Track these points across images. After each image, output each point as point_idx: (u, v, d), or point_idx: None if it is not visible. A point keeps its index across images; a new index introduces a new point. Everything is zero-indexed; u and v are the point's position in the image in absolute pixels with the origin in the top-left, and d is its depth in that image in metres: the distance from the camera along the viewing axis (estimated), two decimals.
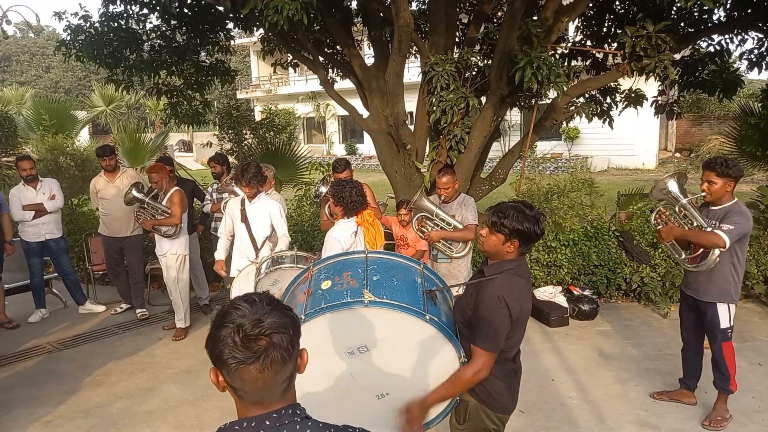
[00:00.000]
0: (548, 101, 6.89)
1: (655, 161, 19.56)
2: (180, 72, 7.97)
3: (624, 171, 18.91)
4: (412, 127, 6.58)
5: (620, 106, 7.38)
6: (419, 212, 4.51)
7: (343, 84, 8.02)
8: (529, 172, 7.52)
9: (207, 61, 8.33)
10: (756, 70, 7.20)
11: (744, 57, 7.32)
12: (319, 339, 2.18)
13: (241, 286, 4.02)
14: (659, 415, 3.86)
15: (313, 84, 21.63)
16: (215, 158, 6.06)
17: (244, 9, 5.03)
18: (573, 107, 6.65)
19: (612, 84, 7.15)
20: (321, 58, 7.14)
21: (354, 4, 6.91)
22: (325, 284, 2.36)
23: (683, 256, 3.74)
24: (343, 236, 3.51)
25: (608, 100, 7.48)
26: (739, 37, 7.29)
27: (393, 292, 2.25)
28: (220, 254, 4.63)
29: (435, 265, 4.54)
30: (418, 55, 7.08)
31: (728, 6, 6.43)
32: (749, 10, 6.40)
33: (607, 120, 7.39)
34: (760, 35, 7.03)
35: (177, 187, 5.34)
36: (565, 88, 6.07)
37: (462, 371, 2.19)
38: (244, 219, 4.36)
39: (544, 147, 19.00)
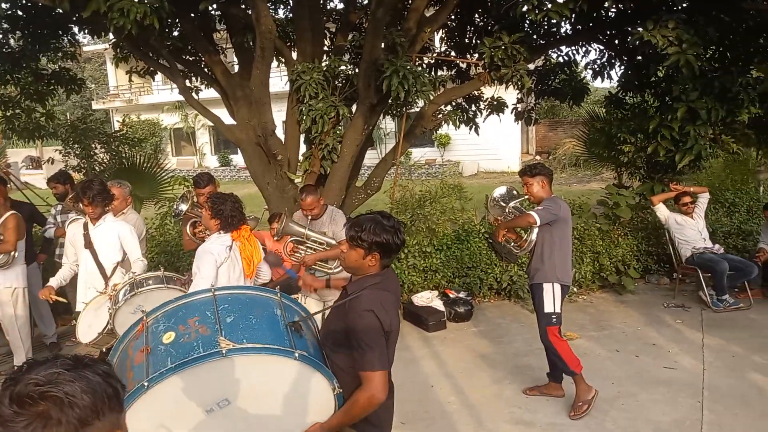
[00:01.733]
0: (417, 109, 7.03)
1: (519, 164, 20.96)
2: (17, 81, 7.08)
3: (492, 174, 20.02)
4: (283, 137, 6.37)
5: (484, 113, 7.73)
6: (289, 236, 4.30)
7: (210, 93, 7.59)
8: (404, 179, 7.62)
9: (48, 68, 7.47)
10: (599, 79, 7.90)
11: (589, 67, 8.02)
12: (170, 405, 1.86)
13: (89, 320, 3.54)
14: (532, 411, 4.00)
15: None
16: (55, 177, 5.41)
17: (86, 11, 4.54)
18: (440, 115, 6.84)
19: (475, 92, 7.46)
20: (180, 66, 6.69)
21: (213, 9, 6.55)
22: (168, 337, 2.00)
23: (512, 244, 4.13)
24: (217, 250, 3.24)
25: (473, 107, 7.81)
26: (584, 49, 7.97)
27: (253, 332, 2.01)
28: (53, 281, 4.05)
29: None
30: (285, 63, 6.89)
31: (573, 20, 6.97)
32: (591, 24, 6.99)
33: (473, 126, 7.71)
34: (601, 47, 7.72)
35: (12, 211, 4.67)
36: (432, 97, 6.21)
37: (356, 398, 2.04)
38: (89, 245, 3.86)
39: (418, 154, 19.59)
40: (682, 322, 5.57)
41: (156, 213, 6.74)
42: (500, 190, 4.27)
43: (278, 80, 11.93)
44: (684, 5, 5.94)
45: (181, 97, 6.88)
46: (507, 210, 4.12)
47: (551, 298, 3.93)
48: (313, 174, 6.17)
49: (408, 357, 4.89)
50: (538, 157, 21.58)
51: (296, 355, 1.94)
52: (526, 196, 4.10)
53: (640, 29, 5.64)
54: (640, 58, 6.91)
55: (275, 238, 4.62)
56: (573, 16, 6.51)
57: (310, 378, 2.01)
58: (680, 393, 4.14)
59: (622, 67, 7.68)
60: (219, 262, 3.19)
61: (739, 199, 8.11)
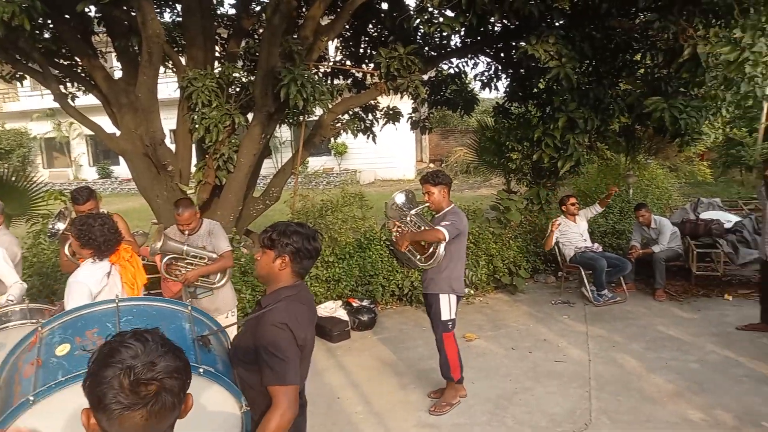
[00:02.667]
0: (315, 118, 6.98)
1: (414, 172, 21.54)
2: None
3: (388, 182, 20.38)
4: (173, 147, 6.05)
5: (381, 122, 7.86)
6: (166, 255, 4.01)
7: (88, 99, 7.02)
8: (303, 189, 7.52)
9: None
10: (487, 90, 8.33)
11: (477, 78, 8.42)
12: (60, 421, 1.69)
13: None
14: (437, 414, 4.07)
15: (51, 99, 18.82)
16: None
17: None
18: (339, 124, 6.85)
19: (372, 102, 7.56)
20: (54, 70, 6.14)
21: (92, 11, 6.09)
22: (62, 349, 1.85)
23: (418, 257, 4.11)
24: (92, 279, 2.85)
25: (370, 116, 7.91)
26: (473, 61, 8.37)
27: None
28: None
29: (197, 301, 4.02)
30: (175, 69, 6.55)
31: (463, 33, 7.30)
32: (479, 38, 7.35)
33: (371, 135, 7.80)
34: (489, 60, 8.14)
35: None
36: (330, 106, 6.20)
37: (267, 418, 1.94)
38: None
39: (315, 163, 19.46)
40: (568, 317, 5.98)
41: (28, 231, 6.10)
42: (400, 197, 4.27)
43: (165, 86, 11.33)
44: (562, 22, 6.41)
45: (53, 104, 6.31)
46: (408, 218, 4.13)
47: (447, 306, 4.04)
48: (208, 185, 5.92)
49: (312, 370, 4.78)
50: (432, 165, 22.29)
51: (201, 370, 1.83)
52: (427, 204, 4.15)
53: (524, 43, 6.02)
54: (523, 70, 7.37)
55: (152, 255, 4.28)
56: (463, 29, 6.82)
57: (215, 395, 1.90)
58: (570, 384, 4.42)
59: (508, 79, 8.16)
60: (95, 292, 2.84)
61: (613, 201, 8.86)
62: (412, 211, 4.10)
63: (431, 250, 4.00)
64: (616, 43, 7.04)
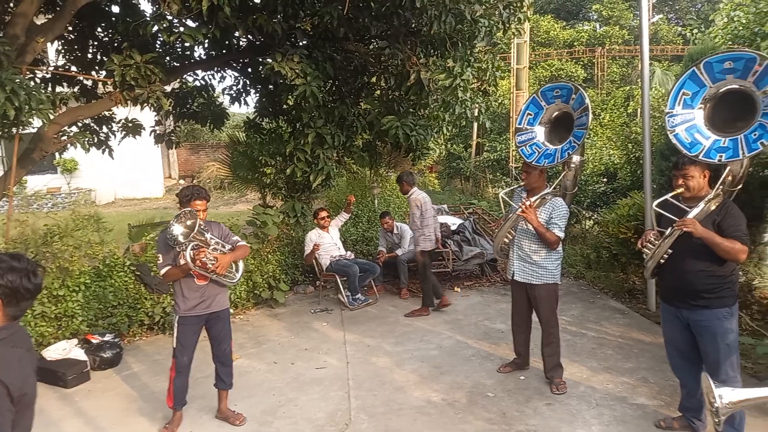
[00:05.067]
0: (33, 130, 5.99)
1: (162, 189, 20.10)
2: None
3: (132, 201, 18.65)
4: None
5: (119, 135, 7.12)
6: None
7: None
8: (19, 213, 6.36)
9: None
10: (237, 104, 8.20)
11: (226, 92, 8.24)
12: None
13: None
14: None
15: None
16: None
17: None
18: (65, 137, 6.00)
19: (107, 113, 6.82)
20: None
21: None
22: None
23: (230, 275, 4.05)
24: None
25: (105, 129, 7.11)
26: (220, 74, 8.16)
27: None
28: None
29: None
30: None
31: (207, 45, 7.06)
32: (225, 51, 7.20)
33: (107, 150, 7.02)
34: (236, 74, 8.04)
35: None
36: (52, 116, 5.40)
37: None
38: None
39: (36, 182, 16.70)
40: (327, 324, 6.22)
41: None
42: (178, 229, 3.72)
43: None
44: (305, 42, 6.68)
45: None
46: (210, 239, 3.82)
47: (175, 331, 3.91)
48: None
49: (44, 421, 4.09)
50: (182, 182, 21.10)
51: None
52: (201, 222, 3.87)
53: (270, 60, 6.10)
54: (272, 86, 7.47)
55: None
56: (207, 41, 6.61)
57: None
58: (331, 388, 4.59)
59: (257, 94, 8.17)
60: None
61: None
62: (208, 234, 3.81)
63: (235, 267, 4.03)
64: (355, 66, 7.62)
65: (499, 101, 11.76)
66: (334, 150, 7.14)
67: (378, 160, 9.70)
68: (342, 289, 6.78)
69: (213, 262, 3.72)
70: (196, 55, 7.58)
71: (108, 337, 5.36)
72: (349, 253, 7.14)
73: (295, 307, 6.89)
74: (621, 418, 3.94)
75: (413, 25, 6.36)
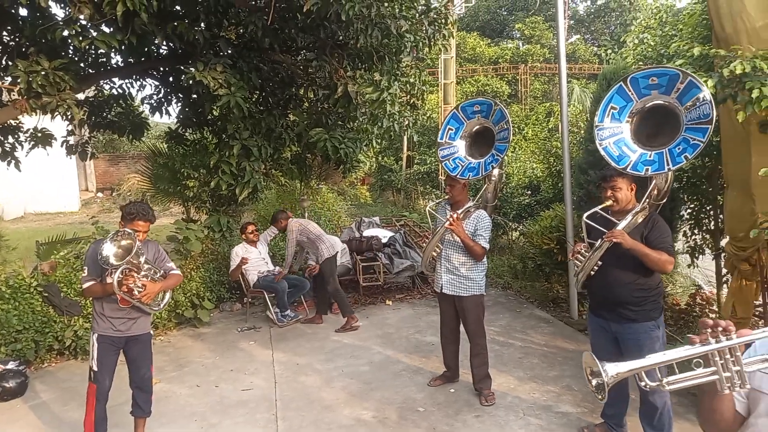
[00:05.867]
0: None
1: (78, 203, 18.96)
2: None
3: (45, 216, 17.45)
4: None
5: (26, 146, 6.64)
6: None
7: None
8: None
9: None
10: (158, 114, 7.85)
11: (146, 102, 7.87)
12: None
13: None
14: None
15: None
16: None
17: None
18: None
19: (13, 122, 6.34)
20: None
21: None
22: None
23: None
24: None
25: (11, 139, 6.61)
26: (139, 83, 7.79)
27: None
28: None
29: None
30: None
31: (124, 52, 6.72)
32: (143, 59, 6.89)
33: (13, 162, 6.52)
34: (156, 83, 7.70)
35: None
36: None
37: None
38: None
39: None
40: (255, 342, 6.01)
41: None
42: (110, 248, 3.42)
43: None
44: (229, 51, 6.49)
45: None
46: (144, 264, 3.57)
47: (94, 351, 3.65)
48: None
49: None
50: (100, 195, 20.03)
51: None
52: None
53: (192, 69, 5.88)
54: (195, 96, 7.21)
55: None
56: (123, 48, 6.29)
57: None
58: (257, 410, 4.42)
59: (180, 104, 7.86)
60: None
61: None
62: (142, 258, 3.53)
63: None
64: (282, 77, 7.49)
65: (428, 115, 11.99)
66: (262, 162, 6.96)
67: (308, 172, 9.57)
68: (270, 305, 6.59)
69: (141, 289, 3.50)
70: (113, 62, 7.21)
71: (11, 365, 4.92)
72: (277, 268, 6.96)
73: (220, 326, 6.62)
74: (547, 426, 4.02)
75: (340, 38, 6.34)
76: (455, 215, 4.14)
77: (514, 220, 9.35)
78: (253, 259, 6.71)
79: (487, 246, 4.29)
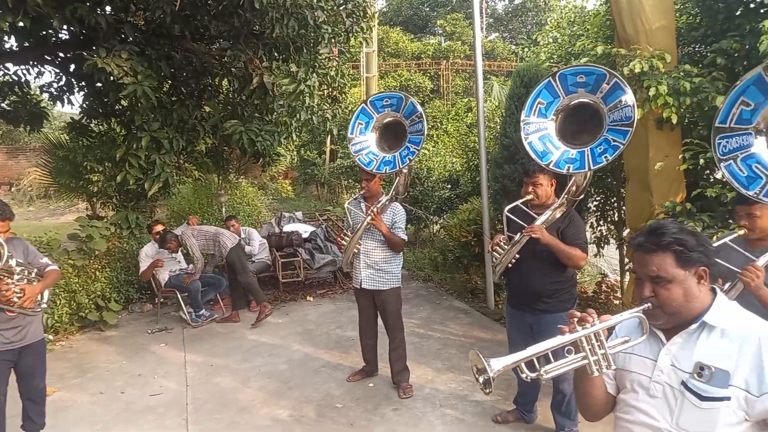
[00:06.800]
0: None
1: None
2: None
3: None
4: None
5: None
6: None
7: None
8: None
9: None
10: (60, 103, 7.28)
11: (45, 90, 7.28)
12: None
13: None
14: None
15: None
16: None
17: None
18: None
19: None
20: None
21: None
22: None
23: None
24: None
25: None
26: (37, 69, 7.21)
27: None
28: None
29: None
30: None
31: (18, 35, 6.18)
32: (40, 44, 6.37)
33: None
34: (56, 70, 7.14)
35: None
36: None
37: None
38: None
39: None
40: (166, 344, 5.73)
41: None
42: None
43: None
44: (137, 38, 6.12)
45: None
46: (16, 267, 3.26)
47: None
48: None
49: None
50: None
51: None
52: None
53: (95, 56, 5.49)
54: (100, 85, 6.76)
55: None
56: (17, 31, 5.78)
57: None
58: (166, 416, 4.20)
59: (84, 93, 7.34)
60: None
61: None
62: (13, 261, 3.24)
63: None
64: (195, 66, 7.16)
65: (350, 108, 11.88)
66: (173, 155, 6.63)
67: (226, 165, 9.26)
68: (183, 305, 6.30)
69: (20, 294, 3.20)
70: (6, 46, 6.62)
71: None
72: (191, 266, 6.67)
73: (129, 329, 6.26)
74: (462, 416, 4.09)
75: (256, 27, 6.13)
76: (375, 209, 4.11)
77: (434, 214, 9.48)
78: (165, 258, 6.39)
79: (405, 237, 4.30)
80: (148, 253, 6.35)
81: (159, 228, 6.52)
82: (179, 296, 6.31)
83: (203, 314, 6.26)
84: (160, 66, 6.15)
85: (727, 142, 2.68)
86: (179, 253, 6.66)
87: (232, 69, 6.55)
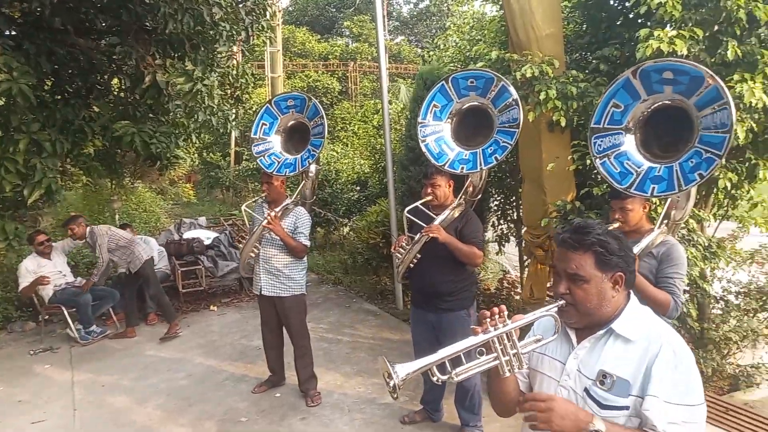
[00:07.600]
0: None
1: None
2: None
3: None
4: None
5: None
6: None
7: None
8: None
9: None
10: None
11: None
12: None
13: None
14: None
15: None
16: None
17: None
18: None
19: None
20: None
21: None
22: None
23: None
24: None
25: None
26: None
27: None
28: None
29: None
30: None
31: None
32: None
33: None
34: None
35: None
36: None
37: None
38: None
39: None
40: (51, 366, 5.24)
41: None
42: None
43: None
44: (12, 31, 5.57)
45: None
46: None
47: None
48: None
49: None
50: None
51: None
52: None
53: None
54: None
55: None
56: None
57: None
58: None
59: None
60: None
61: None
62: None
63: None
64: (82, 63, 6.63)
65: (254, 109, 11.53)
66: (57, 159, 6.09)
67: (118, 169, 8.65)
68: (71, 322, 5.79)
69: None
70: None
71: None
72: (79, 279, 6.15)
73: (8, 350, 5.68)
74: (370, 420, 4.06)
75: (147, 23, 5.78)
76: (273, 213, 3.98)
77: (344, 216, 9.43)
78: (48, 272, 5.84)
79: (308, 243, 4.20)
80: (28, 267, 5.78)
81: (42, 238, 5.96)
82: (66, 312, 5.79)
83: (94, 331, 5.80)
84: (39, 62, 5.63)
85: (601, 141, 2.86)
86: (65, 266, 6.13)
87: (123, 67, 6.14)
